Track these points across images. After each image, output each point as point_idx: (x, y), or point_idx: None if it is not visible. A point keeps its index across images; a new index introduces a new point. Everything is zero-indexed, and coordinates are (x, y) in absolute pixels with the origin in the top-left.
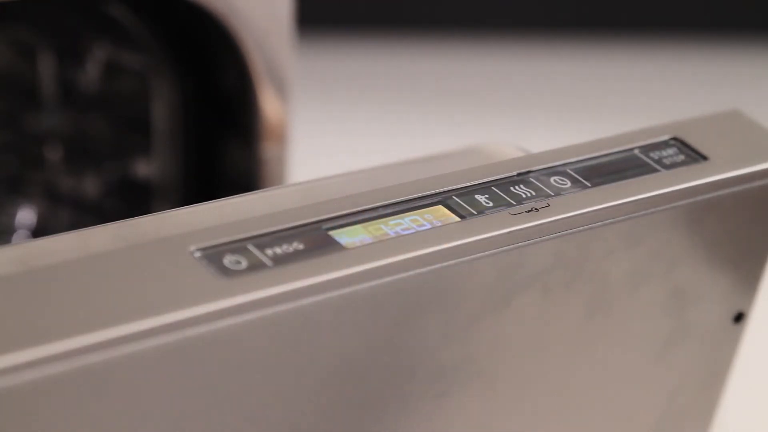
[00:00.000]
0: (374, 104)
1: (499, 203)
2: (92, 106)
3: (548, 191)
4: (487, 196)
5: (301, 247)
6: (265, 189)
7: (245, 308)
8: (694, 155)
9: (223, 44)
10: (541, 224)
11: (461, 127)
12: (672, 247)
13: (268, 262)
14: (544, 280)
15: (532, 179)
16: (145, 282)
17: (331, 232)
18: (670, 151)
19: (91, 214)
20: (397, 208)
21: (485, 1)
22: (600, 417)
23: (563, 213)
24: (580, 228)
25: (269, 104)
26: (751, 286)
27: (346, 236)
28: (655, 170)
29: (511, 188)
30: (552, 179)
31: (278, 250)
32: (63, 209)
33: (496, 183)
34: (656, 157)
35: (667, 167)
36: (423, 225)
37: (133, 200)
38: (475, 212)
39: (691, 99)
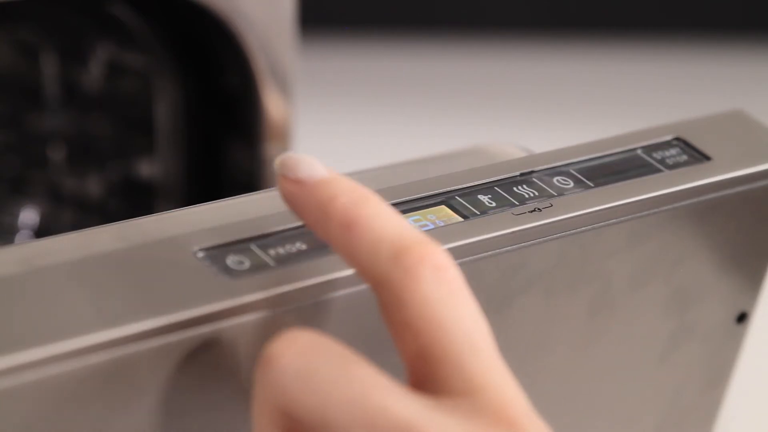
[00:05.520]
0: (377, 104)
1: (502, 203)
2: (95, 106)
3: (551, 191)
4: (489, 196)
5: (304, 247)
6: (268, 189)
7: (248, 308)
8: (697, 155)
9: (226, 44)
10: (544, 224)
11: (464, 126)
12: (675, 247)
13: (271, 263)
14: (546, 280)
15: (534, 179)
16: (147, 282)
17: None
18: (673, 151)
19: (94, 214)
20: (400, 208)
21: (489, 2)
22: (602, 417)
23: (566, 213)
24: (583, 228)
25: (272, 104)
26: (754, 286)
27: None
28: (658, 170)
29: (514, 188)
30: (555, 179)
31: (281, 251)
32: (66, 209)
33: (499, 183)
34: (659, 157)
35: (670, 167)
36: (426, 225)
37: (136, 200)
38: (478, 212)
39: (694, 99)
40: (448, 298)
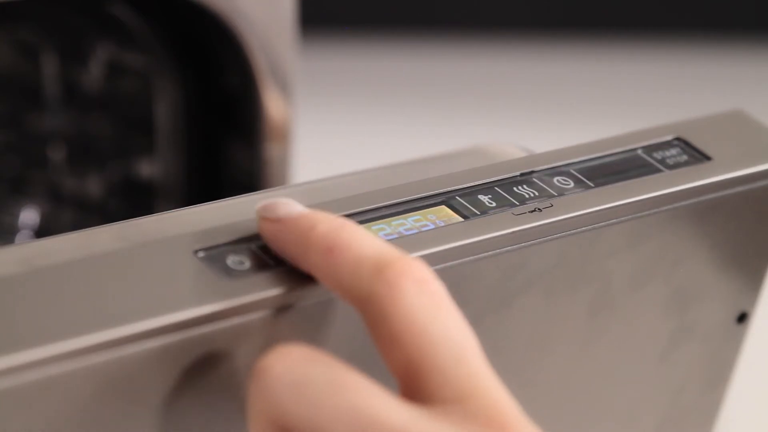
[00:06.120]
0: (377, 104)
1: (502, 203)
2: (95, 106)
3: (551, 191)
4: (490, 196)
5: None
6: (268, 189)
7: (248, 308)
8: (697, 155)
9: (227, 44)
10: (544, 224)
11: (464, 127)
12: (675, 247)
13: (271, 263)
14: (547, 280)
15: (535, 179)
16: (147, 282)
17: None
18: (674, 151)
19: (94, 214)
20: (400, 209)
21: (489, 2)
22: (603, 417)
23: (566, 213)
24: (584, 228)
25: (272, 104)
26: (754, 286)
27: None
28: (658, 170)
29: (514, 188)
30: (555, 179)
31: None
32: (66, 209)
33: (499, 183)
34: (659, 157)
35: (671, 167)
36: (426, 225)
37: (136, 200)
38: (478, 212)
39: (694, 99)
40: (432, 310)
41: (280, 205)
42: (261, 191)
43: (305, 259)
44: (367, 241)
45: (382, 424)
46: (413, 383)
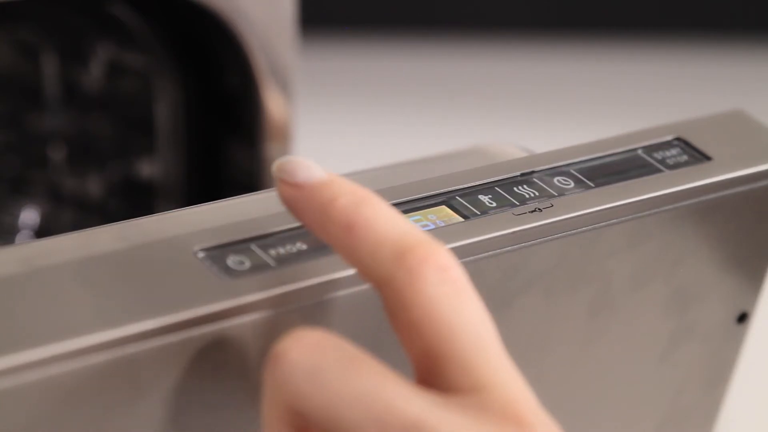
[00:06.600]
0: (377, 104)
1: (502, 203)
2: (95, 106)
3: (552, 191)
4: (490, 196)
5: (304, 247)
6: (268, 189)
7: (248, 309)
8: (697, 155)
9: (227, 44)
10: (544, 224)
11: (464, 127)
12: (675, 247)
13: (272, 263)
14: (547, 280)
15: (535, 179)
16: (148, 282)
17: None
18: (674, 151)
19: (94, 214)
20: (400, 209)
21: (489, 2)
22: (603, 417)
23: (567, 213)
24: (584, 228)
25: (273, 104)
26: (754, 286)
27: None
28: (658, 170)
29: (515, 188)
30: (555, 179)
31: (282, 251)
32: (66, 209)
33: (500, 183)
34: (660, 158)
35: (671, 167)
36: (426, 225)
37: (136, 200)
38: (479, 212)
39: (694, 99)
40: (453, 298)
41: (300, 167)
42: (261, 191)
43: (324, 232)
44: (389, 220)
45: (397, 411)
46: (431, 371)
